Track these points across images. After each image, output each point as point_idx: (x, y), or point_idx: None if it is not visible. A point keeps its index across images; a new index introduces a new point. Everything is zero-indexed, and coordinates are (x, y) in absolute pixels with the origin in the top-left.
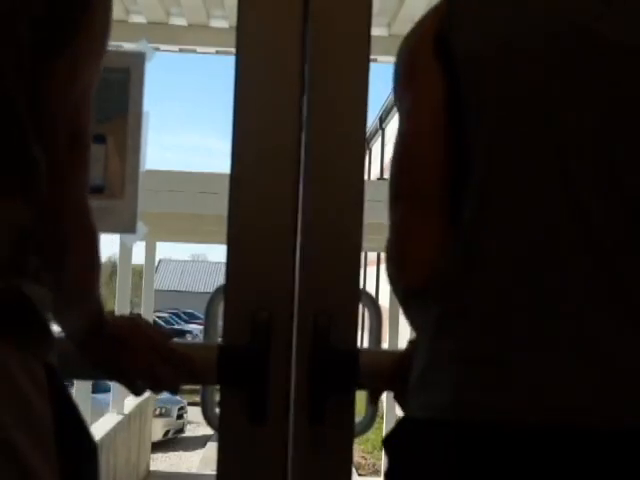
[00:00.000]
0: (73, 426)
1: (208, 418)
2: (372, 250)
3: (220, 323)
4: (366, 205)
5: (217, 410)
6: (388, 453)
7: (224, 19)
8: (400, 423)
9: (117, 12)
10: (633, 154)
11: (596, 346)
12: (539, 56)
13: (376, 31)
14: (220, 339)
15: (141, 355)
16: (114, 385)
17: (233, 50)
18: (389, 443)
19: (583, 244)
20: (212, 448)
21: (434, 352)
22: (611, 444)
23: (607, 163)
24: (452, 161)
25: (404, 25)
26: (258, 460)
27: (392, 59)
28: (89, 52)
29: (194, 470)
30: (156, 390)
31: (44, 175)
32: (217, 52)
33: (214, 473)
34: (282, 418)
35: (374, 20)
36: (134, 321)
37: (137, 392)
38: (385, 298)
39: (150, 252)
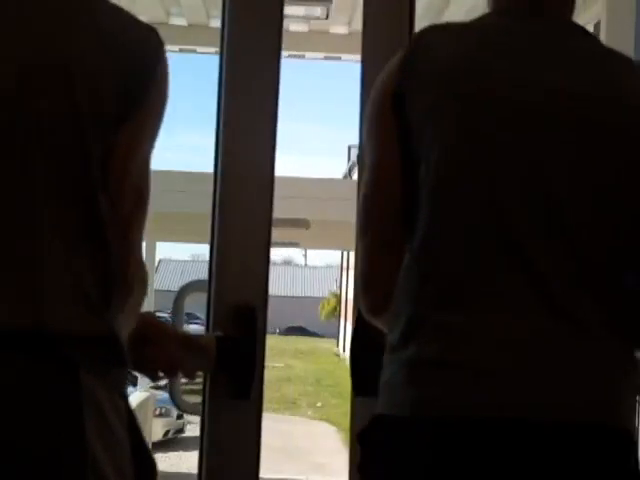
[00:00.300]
0: (141, 449)
1: (179, 402)
2: None
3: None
4: None
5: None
6: (361, 447)
7: None
8: (372, 420)
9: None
10: (578, 212)
11: (529, 349)
12: (482, 109)
13: None
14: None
15: (163, 346)
16: None
17: None
18: (363, 438)
19: (517, 266)
20: None
21: (399, 358)
22: (552, 435)
23: (543, 200)
24: (407, 194)
25: None
26: (241, 428)
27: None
28: (151, 124)
29: (194, 470)
30: (175, 376)
31: (111, 231)
32: (217, 52)
33: None
34: (259, 392)
35: None
36: (147, 317)
37: (155, 379)
38: None
39: (150, 252)
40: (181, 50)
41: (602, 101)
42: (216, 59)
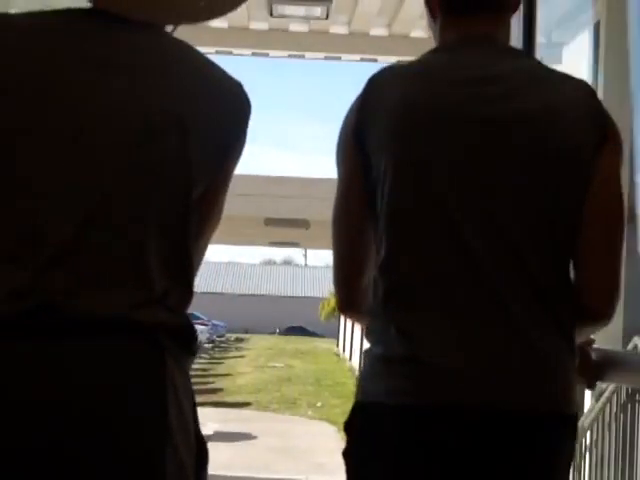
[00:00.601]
0: (199, 432)
1: None
2: None
3: None
4: None
5: None
6: (346, 434)
7: (224, 19)
8: (353, 408)
9: None
10: (515, 209)
11: (481, 349)
12: (427, 141)
13: (376, 31)
14: None
15: None
16: None
17: (233, 50)
18: (346, 426)
19: (470, 280)
20: (212, 448)
21: (373, 355)
22: (488, 419)
23: (493, 220)
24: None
25: (404, 25)
26: None
27: (392, 59)
28: (234, 169)
29: None
30: None
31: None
32: (217, 52)
33: (214, 473)
34: None
35: (374, 20)
36: None
37: None
38: None
39: None
40: None
41: (543, 126)
42: (216, 59)
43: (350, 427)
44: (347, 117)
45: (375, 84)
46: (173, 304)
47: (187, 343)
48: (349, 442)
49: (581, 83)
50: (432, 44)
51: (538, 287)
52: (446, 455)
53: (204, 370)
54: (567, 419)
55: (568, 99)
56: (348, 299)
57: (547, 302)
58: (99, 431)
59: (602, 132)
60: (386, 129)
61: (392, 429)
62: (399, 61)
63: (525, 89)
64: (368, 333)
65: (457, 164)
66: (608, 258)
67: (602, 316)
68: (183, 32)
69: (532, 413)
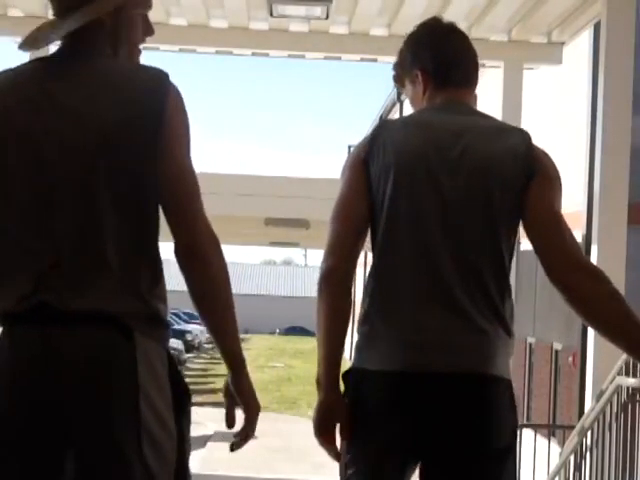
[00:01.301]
0: (177, 381)
1: None
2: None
3: None
4: None
5: None
6: (345, 384)
7: (224, 19)
8: (346, 371)
9: None
10: (472, 234)
11: (441, 330)
12: (406, 173)
13: (376, 31)
14: None
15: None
16: None
17: (233, 50)
18: (345, 378)
19: (432, 282)
20: (212, 448)
21: (362, 331)
22: (446, 381)
23: (456, 240)
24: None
25: (404, 25)
26: None
27: (392, 59)
28: (178, 141)
29: (194, 470)
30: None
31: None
32: (217, 52)
33: (214, 473)
34: None
35: (374, 20)
36: None
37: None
38: None
39: None
40: (181, 50)
41: (495, 171)
42: (216, 59)
43: (348, 380)
44: (358, 149)
45: (381, 130)
46: (143, 290)
47: (154, 324)
48: (349, 393)
49: (519, 134)
50: None
51: (486, 290)
52: (410, 408)
53: (204, 370)
54: (494, 378)
55: (509, 147)
56: (326, 272)
57: (489, 298)
58: (83, 390)
59: (531, 171)
60: (382, 163)
61: (371, 388)
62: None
63: (485, 141)
64: (360, 318)
65: (438, 203)
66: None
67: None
68: (183, 32)
69: (472, 374)
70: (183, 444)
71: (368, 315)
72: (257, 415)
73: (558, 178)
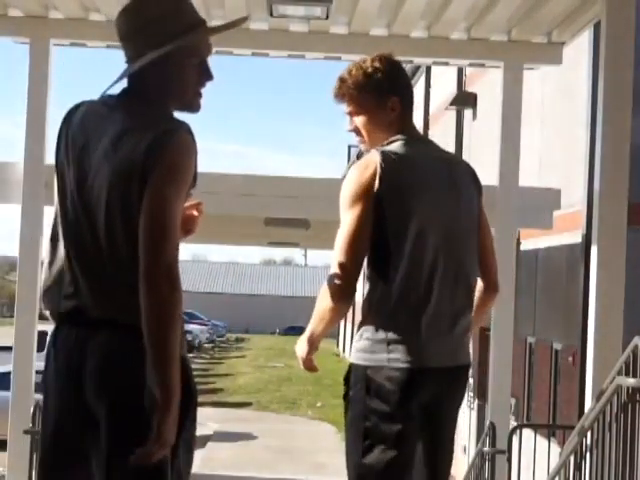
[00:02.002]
0: (189, 385)
1: None
2: None
3: None
4: None
5: None
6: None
7: (224, 19)
8: (355, 366)
9: (116, 12)
10: (467, 253)
11: (445, 329)
12: (425, 216)
13: (376, 31)
14: None
15: None
16: None
17: (233, 50)
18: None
19: (447, 286)
20: (212, 448)
21: (375, 338)
22: (451, 372)
23: (457, 259)
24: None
25: (404, 25)
26: None
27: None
28: (166, 189)
29: (194, 470)
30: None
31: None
32: (217, 52)
33: (214, 473)
34: None
35: (374, 20)
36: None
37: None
38: None
39: None
40: None
41: (469, 191)
42: (216, 59)
43: (348, 380)
44: (367, 176)
45: (386, 162)
46: (131, 306)
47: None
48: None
49: (465, 162)
50: (431, 44)
51: (470, 289)
52: (420, 399)
53: (204, 370)
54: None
55: (465, 171)
56: (349, 293)
57: (470, 297)
58: (99, 378)
59: (481, 191)
60: (412, 212)
61: (391, 383)
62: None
63: (461, 169)
64: (378, 325)
65: (442, 223)
66: (494, 256)
67: (498, 287)
68: None
69: (463, 365)
70: (182, 447)
71: (386, 324)
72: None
73: None
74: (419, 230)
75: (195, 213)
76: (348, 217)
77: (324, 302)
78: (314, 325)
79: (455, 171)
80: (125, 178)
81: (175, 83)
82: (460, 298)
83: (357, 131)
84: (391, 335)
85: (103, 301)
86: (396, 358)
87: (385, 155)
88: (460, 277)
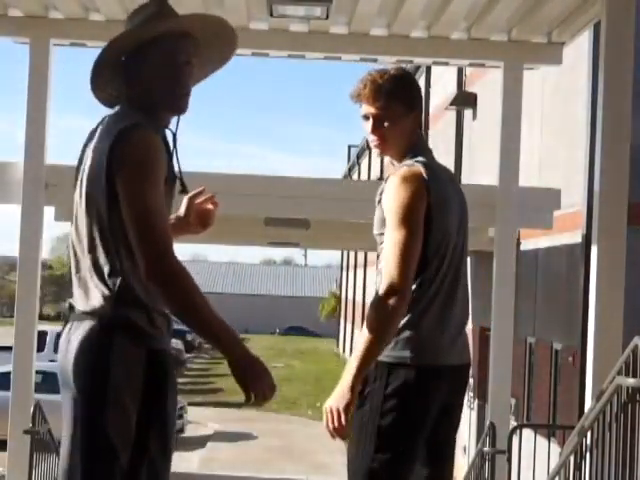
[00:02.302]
0: (159, 376)
1: None
2: (372, 250)
3: None
4: (366, 205)
5: None
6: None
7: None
8: (383, 364)
9: (116, 12)
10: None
11: (455, 331)
12: (450, 226)
13: (376, 31)
14: None
15: None
16: None
17: None
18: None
19: (453, 294)
20: (212, 448)
21: (399, 337)
22: (460, 370)
23: (462, 269)
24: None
25: (404, 25)
26: None
27: (392, 59)
28: (131, 186)
29: (194, 470)
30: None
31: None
32: None
33: (214, 473)
34: None
35: (374, 20)
36: None
37: None
38: None
39: None
40: None
41: (462, 197)
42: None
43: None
44: (421, 192)
45: (428, 174)
46: (122, 300)
47: (129, 325)
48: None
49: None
50: (431, 44)
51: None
52: (437, 397)
53: (204, 370)
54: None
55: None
56: (407, 295)
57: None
58: (78, 361)
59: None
60: (441, 211)
61: (411, 378)
62: (398, 61)
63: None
64: (414, 322)
65: (459, 236)
66: None
67: None
68: None
69: (469, 363)
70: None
71: (418, 320)
72: (259, 381)
73: None
74: (449, 242)
75: (210, 206)
76: (404, 231)
77: (377, 330)
78: (361, 362)
79: (456, 184)
80: (94, 185)
81: (158, 85)
82: (466, 302)
83: (378, 134)
84: (414, 335)
85: (82, 297)
86: (419, 356)
87: (427, 168)
88: (465, 282)
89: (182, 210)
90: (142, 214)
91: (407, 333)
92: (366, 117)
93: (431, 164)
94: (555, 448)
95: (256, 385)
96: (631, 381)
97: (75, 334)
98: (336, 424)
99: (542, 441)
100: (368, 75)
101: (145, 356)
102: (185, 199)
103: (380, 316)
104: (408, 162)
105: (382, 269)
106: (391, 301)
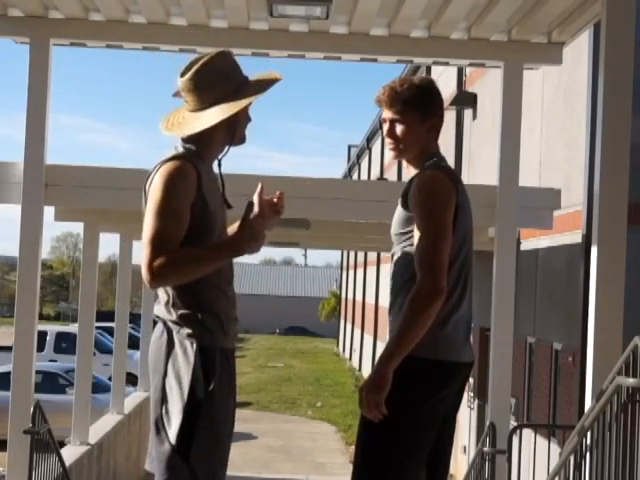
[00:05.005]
0: (208, 378)
1: None
2: (372, 250)
3: None
4: (366, 205)
5: None
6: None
7: (224, 19)
8: (413, 359)
9: (117, 12)
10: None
11: (465, 328)
12: (468, 227)
13: (376, 31)
14: None
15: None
16: (114, 385)
17: (233, 50)
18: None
19: (467, 288)
20: None
21: (433, 337)
22: (469, 368)
23: (472, 268)
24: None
25: (404, 25)
26: None
27: (392, 59)
28: (151, 212)
29: None
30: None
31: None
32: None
33: None
34: None
35: (374, 20)
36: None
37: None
38: (385, 297)
39: None
40: (181, 50)
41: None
42: None
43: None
44: (450, 192)
45: (458, 178)
46: (175, 306)
47: (185, 325)
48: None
49: None
50: (431, 44)
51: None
52: (452, 390)
53: None
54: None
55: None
56: (444, 294)
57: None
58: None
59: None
60: (464, 212)
61: (435, 372)
62: (398, 61)
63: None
64: (442, 320)
65: (470, 236)
66: None
67: None
68: (183, 32)
69: (474, 361)
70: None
71: (446, 319)
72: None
73: None
74: (466, 242)
75: (275, 200)
76: (440, 230)
77: (419, 314)
78: (399, 348)
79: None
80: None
81: (224, 127)
82: (471, 302)
83: (393, 137)
84: (439, 331)
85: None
86: (443, 352)
87: (451, 170)
88: (472, 282)
89: (256, 209)
90: (147, 236)
91: (433, 329)
92: (384, 121)
93: (451, 169)
94: (555, 448)
95: (257, 243)
96: (631, 381)
97: None
98: (379, 415)
99: (542, 441)
100: (391, 82)
101: (197, 348)
102: (255, 199)
103: (420, 313)
104: (432, 164)
105: (419, 265)
106: (431, 300)
